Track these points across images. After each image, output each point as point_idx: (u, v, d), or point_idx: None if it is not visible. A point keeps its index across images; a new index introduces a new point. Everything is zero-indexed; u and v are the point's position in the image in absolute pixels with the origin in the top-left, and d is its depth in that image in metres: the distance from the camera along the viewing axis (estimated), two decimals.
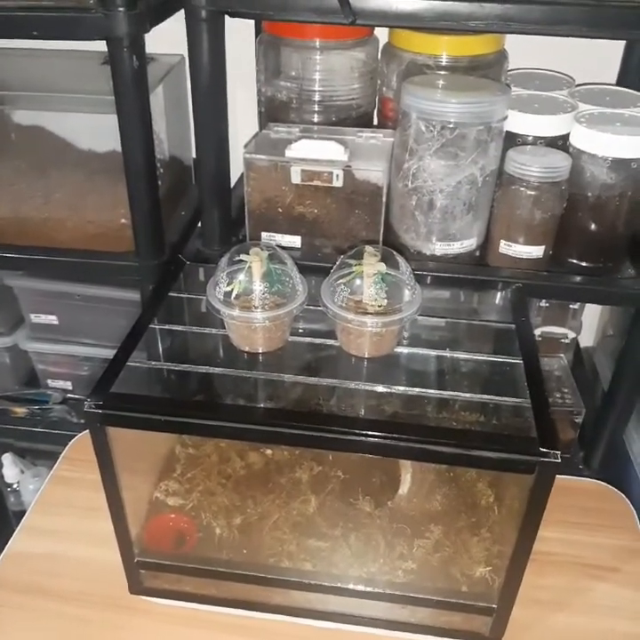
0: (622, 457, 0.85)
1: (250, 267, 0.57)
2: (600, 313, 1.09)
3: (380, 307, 0.57)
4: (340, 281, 0.58)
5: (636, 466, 0.83)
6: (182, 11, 0.65)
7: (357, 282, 0.57)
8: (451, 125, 0.66)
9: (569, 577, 0.70)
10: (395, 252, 0.58)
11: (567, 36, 0.61)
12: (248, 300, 0.58)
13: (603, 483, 0.80)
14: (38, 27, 0.64)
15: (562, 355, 0.93)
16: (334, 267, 0.59)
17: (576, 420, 0.85)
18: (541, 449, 0.48)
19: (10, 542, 0.74)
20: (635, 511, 0.77)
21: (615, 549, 0.73)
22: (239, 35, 0.82)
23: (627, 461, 0.85)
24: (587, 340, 1.09)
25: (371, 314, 0.57)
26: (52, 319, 0.95)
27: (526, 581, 0.57)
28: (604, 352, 1.00)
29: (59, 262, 0.79)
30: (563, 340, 0.92)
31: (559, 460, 0.48)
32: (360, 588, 0.62)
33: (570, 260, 0.74)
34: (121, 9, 0.61)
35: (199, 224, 0.82)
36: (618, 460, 0.84)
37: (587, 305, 0.94)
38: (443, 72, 0.74)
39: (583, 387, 0.91)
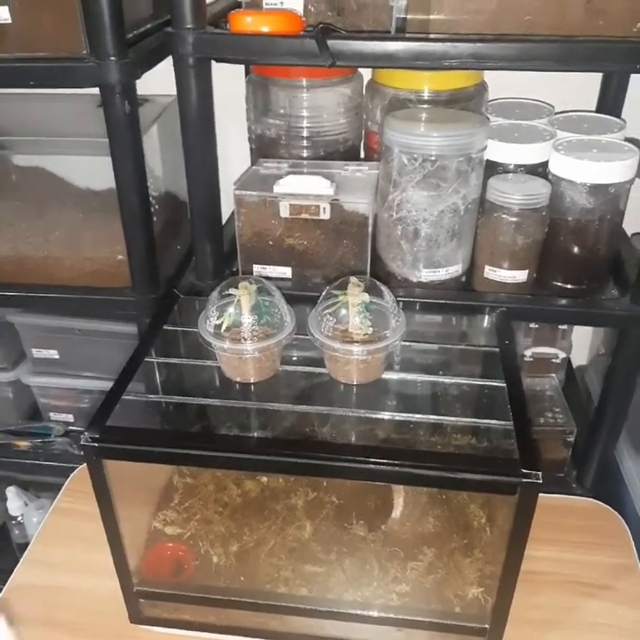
0: (614, 474, 0.86)
1: (239, 300, 0.60)
2: (593, 332, 1.10)
3: (365, 335, 0.59)
4: (326, 311, 0.60)
5: (628, 483, 0.84)
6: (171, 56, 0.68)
7: (343, 311, 0.59)
8: (432, 158, 0.68)
9: (563, 595, 0.71)
10: (378, 282, 0.60)
11: (539, 70, 0.64)
12: (238, 332, 0.60)
13: (596, 501, 0.80)
14: (34, 77, 0.68)
15: (553, 374, 0.94)
16: (320, 297, 0.61)
17: (568, 439, 0.87)
18: (523, 470, 0.50)
19: (13, 574, 0.75)
20: (628, 528, 0.77)
21: (609, 567, 0.73)
22: (230, 74, 0.85)
23: (619, 479, 0.86)
24: (580, 359, 1.11)
25: (357, 342, 0.59)
26: (52, 354, 0.97)
27: (520, 601, 0.58)
28: (596, 371, 1.01)
29: (58, 299, 0.82)
30: (553, 360, 0.94)
31: (540, 481, 0.50)
32: (355, 611, 0.63)
33: (554, 282, 0.76)
34: (112, 58, 0.65)
35: (194, 258, 0.84)
36: (610, 478, 0.85)
37: (576, 327, 0.96)
38: (425, 106, 0.77)
39: (576, 405, 0.92)
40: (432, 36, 0.63)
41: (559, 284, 0.76)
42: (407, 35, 0.64)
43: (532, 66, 0.62)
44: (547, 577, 0.72)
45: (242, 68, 0.90)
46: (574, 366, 1.06)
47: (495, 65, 0.62)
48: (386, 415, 0.59)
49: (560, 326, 0.92)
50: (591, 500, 0.81)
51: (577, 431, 0.87)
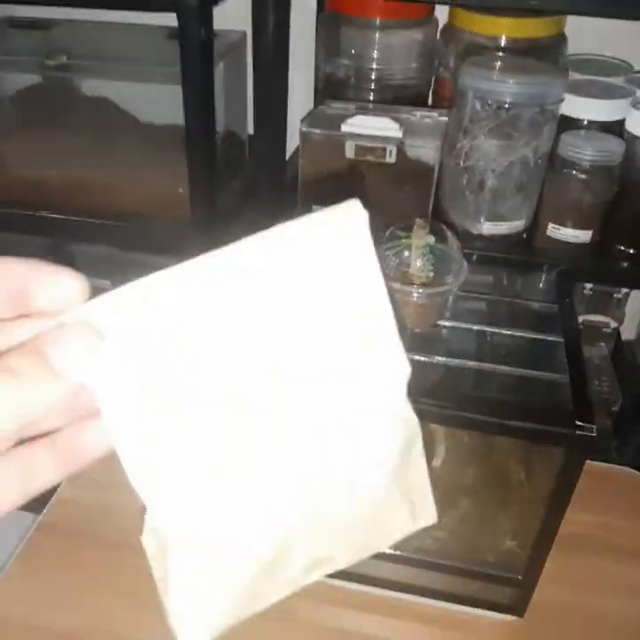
0: None
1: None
2: None
3: (426, 279, 0.59)
4: (389, 252, 0.60)
5: None
6: None
7: (405, 253, 0.59)
8: (506, 105, 0.66)
9: (597, 558, 0.71)
10: (444, 227, 0.59)
11: (632, 18, 0.61)
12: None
13: (635, 471, 0.80)
14: None
15: (602, 344, 0.93)
16: (384, 237, 0.61)
17: (613, 408, 0.86)
18: (577, 422, 0.50)
19: (59, 490, 0.78)
20: None
21: None
22: (299, 14, 0.83)
23: None
24: (629, 333, 1.08)
25: (416, 284, 0.58)
26: (105, 283, 0.99)
27: (553, 559, 0.59)
28: None
29: (116, 228, 0.83)
30: (605, 330, 0.92)
31: (594, 434, 0.49)
32: (389, 551, 0.64)
33: (617, 246, 0.74)
34: None
35: (251, 196, 0.84)
36: None
37: (630, 299, 0.94)
38: (501, 54, 0.74)
39: (622, 377, 0.91)
40: None
41: (622, 247, 0.74)
42: None
43: (623, 13, 0.60)
44: (580, 539, 0.72)
45: (313, 6, 0.88)
46: (623, 339, 1.04)
47: (584, 8, 0.60)
48: (440, 360, 0.59)
49: (615, 295, 0.90)
50: (631, 470, 0.81)
51: (621, 401, 0.86)
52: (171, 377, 0.25)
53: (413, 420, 0.29)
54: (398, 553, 0.64)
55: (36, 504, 0.77)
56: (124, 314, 0.25)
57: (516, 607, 0.64)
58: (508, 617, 0.64)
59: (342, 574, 0.66)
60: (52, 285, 0.25)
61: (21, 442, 0.27)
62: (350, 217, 0.26)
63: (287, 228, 0.26)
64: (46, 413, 0.24)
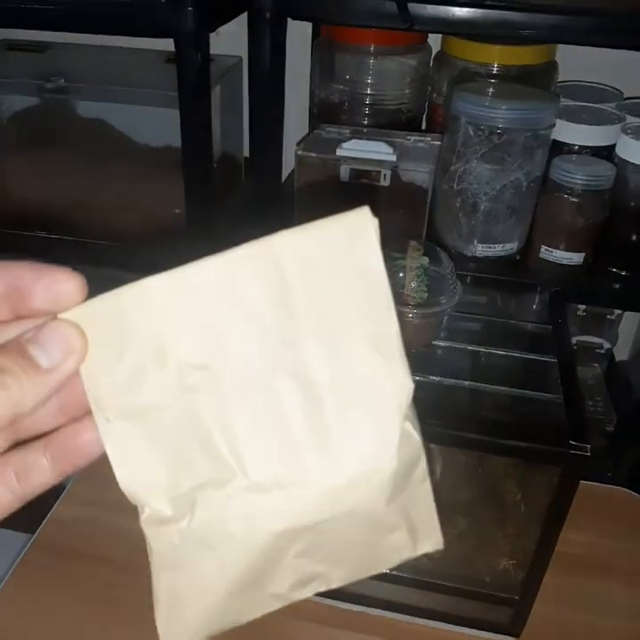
0: None
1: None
2: (637, 327, 1.09)
3: (420, 299, 0.59)
4: None
5: None
6: (245, 14, 0.69)
7: (400, 274, 0.60)
8: (498, 130, 0.68)
9: (593, 578, 0.71)
10: (438, 248, 0.60)
11: (621, 47, 0.62)
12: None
13: (631, 491, 0.80)
14: (109, 22, 0.68)
15: (596, 364, 0.93)
16: None
17: (607, 428, 0.86)
18: (571, 442, 0.50)
19: (54, 508, 0.78)
20: None
21: None
22: (291, 38, 0.85)
23: None
24: (622, 354, 1.09)
25: (411, 305, 0.59)
26: None
27: (549, 578, 0.59)
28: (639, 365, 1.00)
29: (113, 249, 0.84)
30: (598, 351, 0.93)
31: (588, 454, 0.50)
32: (384, 571, 0.64)
33: (609, 268, 0.75)
34: (190, 8, 0.65)
35: (247, 218, 0.85)
36: None
37: (623, 320, 0.95)
38: (493, 80, 0.76)
39: (616, 398, 0.91)
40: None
41: (614, 269, 0.75)
42: (487, 2, 0.63)
43: (613, 41, 0.61)
44: (576, 559, 0.72)
45: (309, 32, 0.90)
46: (617, 360, 1.04)
47: (575, 38, 0.61)
48: (434, 379, 0.59)
49: (608, 316, 0.91)
50: (626, 490, 0.81)
51: (616, 422, 0.87)
52: (161, 378, 0.26)
53: (416, 439, 0.28)
54: (394, 573, 0.64)
55: (30, 524, 0.76)
56: (121, 313, 0.26)
57: (513, 627, 0.63)
58: (505, 637, 0.64)
59: (337, 594, 0.66)
60: (48, 285, 0.25)
61: (17, 444, 0.27)
62: (360, 223, 0.27)
63: (294, 232, 0.26)
64: (33, 410, 0.24)
